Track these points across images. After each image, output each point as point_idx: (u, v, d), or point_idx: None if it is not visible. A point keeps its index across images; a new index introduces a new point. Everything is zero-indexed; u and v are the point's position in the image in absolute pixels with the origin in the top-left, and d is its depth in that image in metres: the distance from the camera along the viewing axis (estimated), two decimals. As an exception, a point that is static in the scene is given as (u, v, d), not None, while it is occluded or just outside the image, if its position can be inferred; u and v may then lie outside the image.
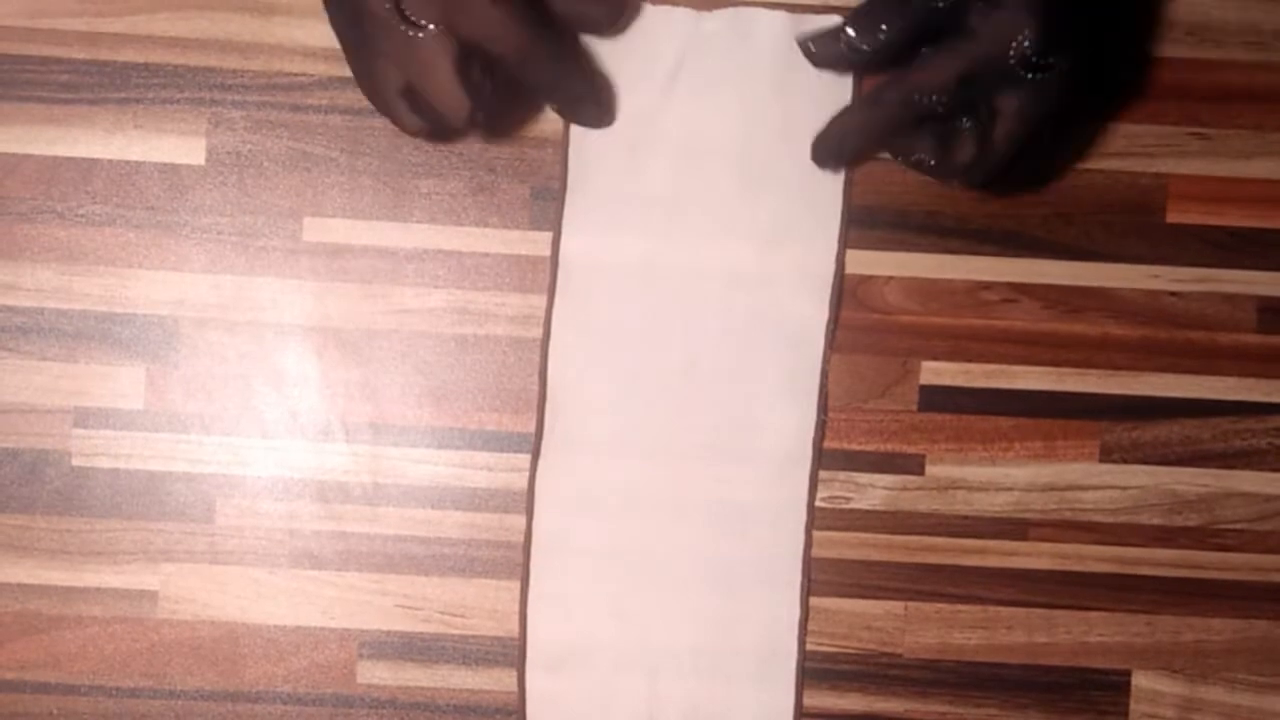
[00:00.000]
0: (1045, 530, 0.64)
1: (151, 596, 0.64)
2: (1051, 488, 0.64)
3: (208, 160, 0.64)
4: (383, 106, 0.57)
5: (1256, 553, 0.65)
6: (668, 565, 0.63)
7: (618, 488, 0.63)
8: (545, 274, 0.64)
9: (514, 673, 0.64)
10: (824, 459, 0.64)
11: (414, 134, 0.58)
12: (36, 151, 0.63)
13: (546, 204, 0.64)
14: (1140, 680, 0.65)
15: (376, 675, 0.64)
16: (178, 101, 0.63)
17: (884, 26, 0.55)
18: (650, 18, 0.62)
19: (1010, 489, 0.64)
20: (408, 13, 0.54)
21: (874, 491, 0.64)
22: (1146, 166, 0.64)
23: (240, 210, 0.63)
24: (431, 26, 0.54)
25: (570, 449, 0.63)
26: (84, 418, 0.63)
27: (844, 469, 0.64)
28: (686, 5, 0.63)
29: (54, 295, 0.63)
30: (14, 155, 0.63)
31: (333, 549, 0.64)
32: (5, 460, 0.63)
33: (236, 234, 0.64)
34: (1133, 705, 0.64)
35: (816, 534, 0.64)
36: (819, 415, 0.63)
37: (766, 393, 0.62)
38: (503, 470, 0.64)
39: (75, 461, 0.63)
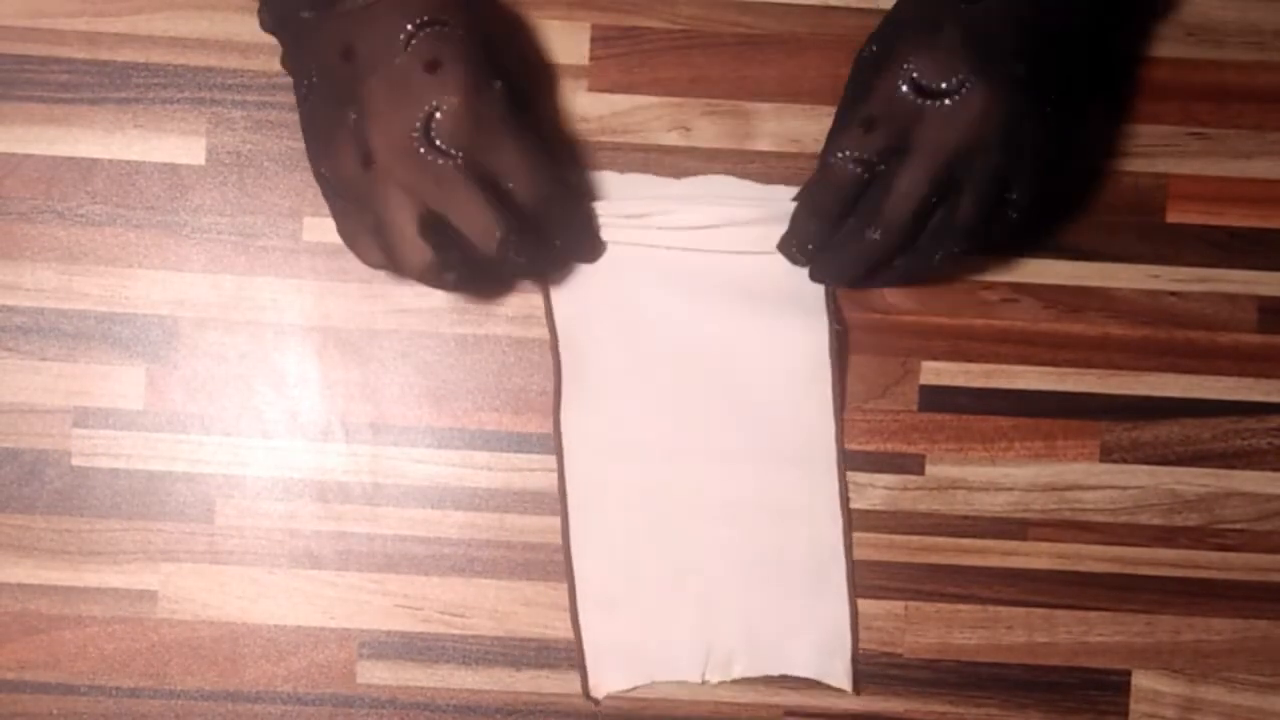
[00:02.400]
0: (1045, 530, 0.64)
1: (151, 596, 0.64)
2: (1051, 488, 0.64)
3: (208, 160, 0.64)
4: (397, 238, 0.56)
5: (1256, 553, 0.65)
6: (705, 495, 0.63)
7: (646, 430, 0.63)
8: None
9: (514, 672, 0.64)
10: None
11: (420, 274, 0.57)
12: (36, 151, 0.63)
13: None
14: (1140, 680, 0.65)
15: (376, 675, 0.64)
16: (178, 101, 0.63)
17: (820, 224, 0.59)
18: (620, 184, 0.63)
19: (1010, 489, 0.64)
20: (436, 140, 0.55)
21: (874, 491, 0.64)
22: (1146, 166, 0.64)
23: (240, 210, 0.63)
24: (459, 158, 0.55)
25: (592, 395, 0.63)
26: (84, 418, 0.63)
27: (844, 469, 0.64)
28: (654, 174, 0.64)
29: (54, 295, 0.63)
30: (14, 155, 0.63)
31: (333, 549, 0.64)
32: (5, 460, 0.63)
33: (236, 234, 0.64)
34: (1133, 705, 0.64)
35: (816, 534, 0.64)
36: (832, 326, 0.63)
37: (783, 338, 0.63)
38: (503, 470, 0.64)
39: (75, 461, 0.64)
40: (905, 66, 0.56)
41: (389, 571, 0.64)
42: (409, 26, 0.55)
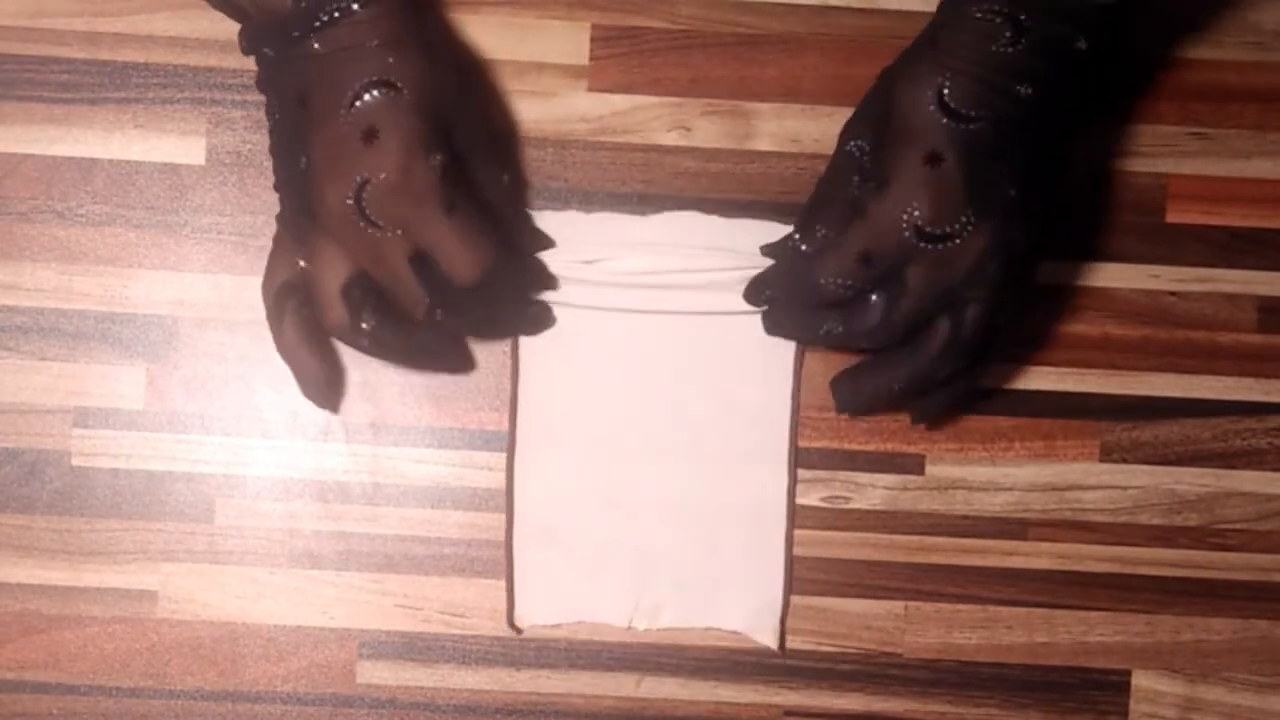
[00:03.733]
0: (1045, 530, 0.64)
1: (151, 596, 0.64)
2: (1051, 488, 0.64)
3: (208, 160, 0.64)
4: (317, 291, 0.57)
5: (1256, 553, 0.65)
6: (652, 446, 0.63)
7: (603, 395, 0.64)
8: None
9: (514, 672, 0.64)
10: (824, 459, 0.64)
11: (333, 331, 0.58)
12: (36, 151, 0.63)
13: (546, 203, 0.64)
14: (1140, 680, 0.65)
15: (376, 675, 0.64)
16: (178, 101, 0.63)
17: (820, 229, 0.57)
18: (585, 225, 0.63)
19: (1010, 489, 0.64)
20: (368, 212, 0.55)
21: (874, 491, 0.64)
22: (1146, 166, 0.64)
23: (240, 210, 0.63)
24: (390, 231, 0.55)
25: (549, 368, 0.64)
26: (84, 418, 0.63)
27: (844, 469, 0.64)
28: (619, 212, 0.63)
29: (54, 295, 0.63)
30: (14, 155, 0.63)
31: (333, 549, 0.64)
32: (5, 460, 0.63)
33: (236, 234, 0.64)
34: (1133, 705, 0.64)
35: (816, 534, 0.64)
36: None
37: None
38: (502, 470, 0.64)
39: (75, 461, 0.63)
40: (910, 211, 0.55)
41: (389, 571, 0.64)
42: (356, 85, 0.54)
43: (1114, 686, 0.64)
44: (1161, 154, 0.64)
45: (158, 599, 0.64)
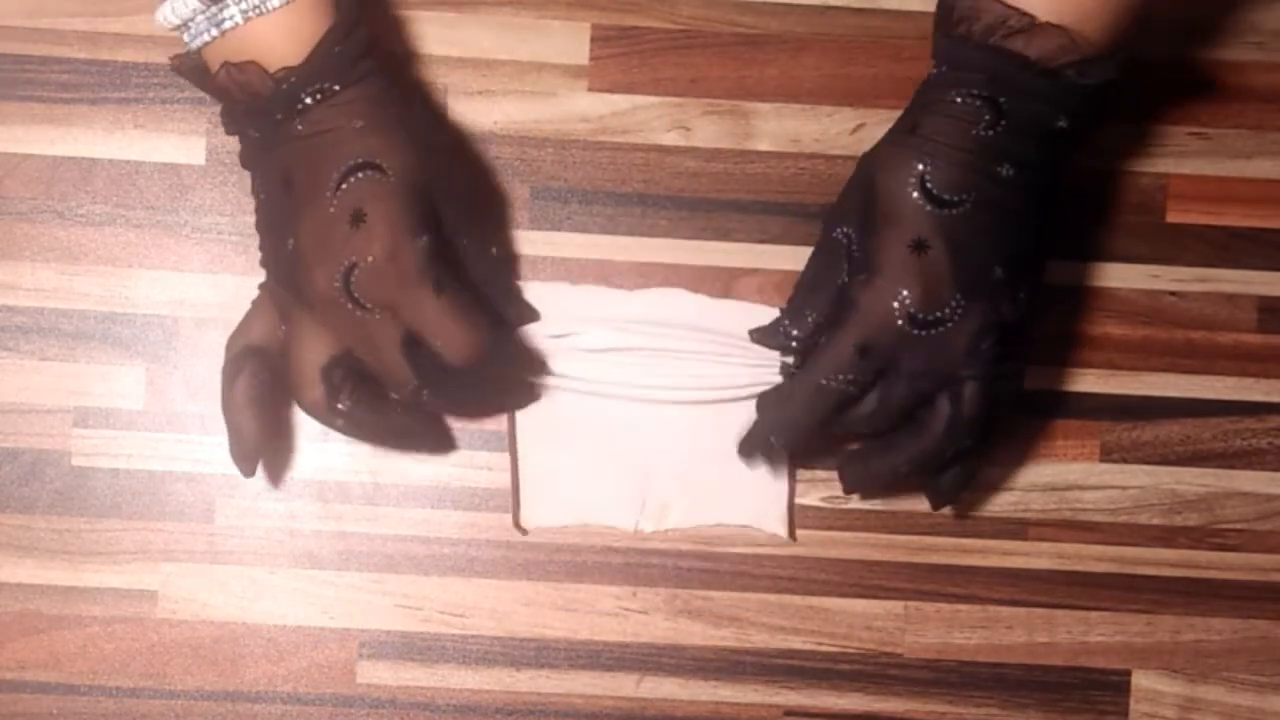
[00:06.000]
0: (1045, 530, 0.64)
1: (151, 596, 0.64)
2: (1051, 488, 0.64)
3: (208, 160, 0.64)
4: (295, 365, 0.57)
5: (1256, 553, 0.65)
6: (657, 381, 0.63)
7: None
8: (544, 273, 0.64)
9: (514, 672, 0.64)
10: (824, 459, 0.64)
11: (308, 408, 0.58)
12: (36, 151, 0.63)
13: (546, 204, 0.64)
14: (1140, 680, 0.65)
15: (376, 675, 0.64)
16: (178, 101, 0.63)
17: (809, 315, 0.58)
18: (571, 296, 0.63)
19: (1010, 489, 0.64)
20: (356, 294, 0.55)
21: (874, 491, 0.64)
22: (1146, 166, 0.64)
23: (240, 210, 0.63)
24: (378, 313, 0.55)
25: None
26: (84, 418, 0.63)
27: (844, 469, 0.64)
28: (607, 286, 0.64)
29: (54, 295, 0.63)
30: (14, 155, 0.63)
31: (333, 549, 0.64)
32: (5, 460, 0.63)
33: (236, 234, 0.64)
34: (1133, 705, 0.64)
35: (816, 534, 0.64)
36: None
37: None
38: (502, 470, 0.64)
39: (75, 461, 0.64)
40: (902, 299, 0.55)
41: (389, 571, 0.64)
42: (341, 167, 0.54)
43: (1114, 686, 0.64)
44: (1161, 154, 0.64)
45: (158, 599, 0.64)
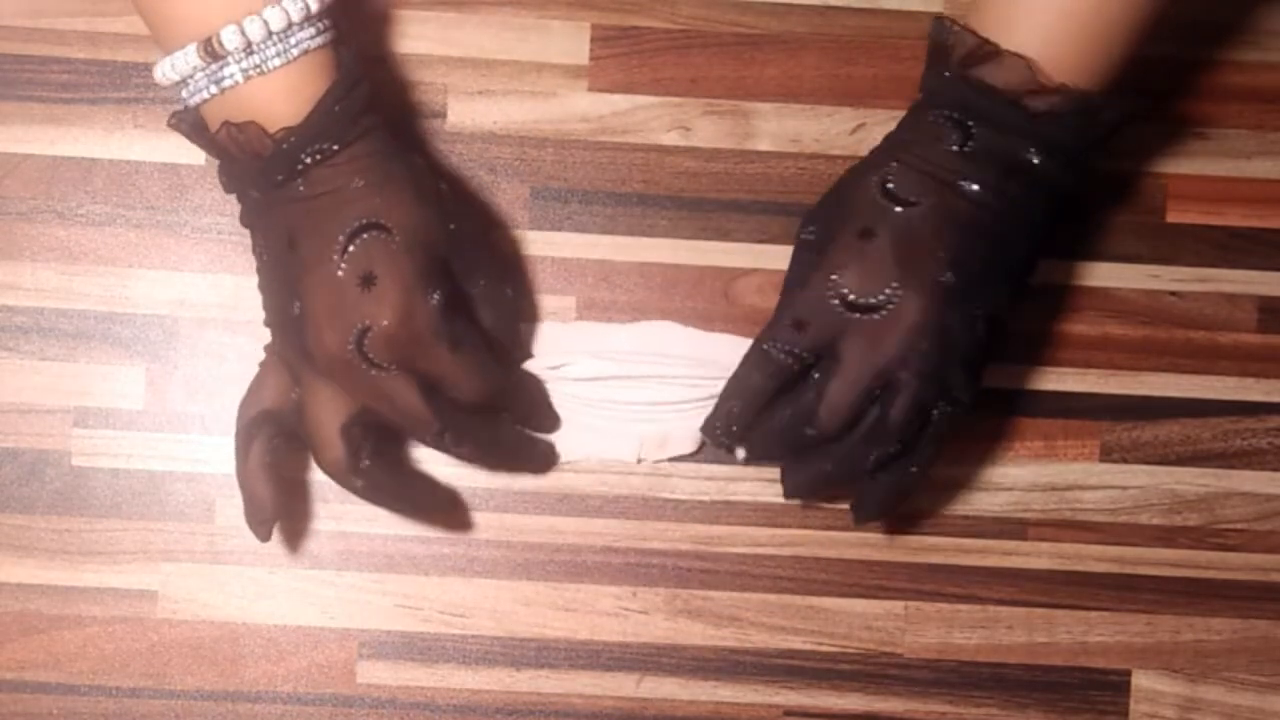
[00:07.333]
0: (1045, 530, 0.64)
1: (151, 596, 0.64)
2: (1051, 488, 0.64)
3: (208, 160, 0.64)
4: (313, 428, 0.57)
5: (1256, 553, 0.65)
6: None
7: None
8: (544, 273, 0.64)
9: (514, 672, 0.64)
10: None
11: (329, 471, 0.58)
12: (36, 151, 0.63)
13: (546, 204, 0.64)
14: (1140, 680, 0.65)
15: (376, 675, 0.64)
16: (178, 102, 0.63)
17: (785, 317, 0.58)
18: (561, 334, 0.64)
19: (1010, 489, 0.64)
20: (371, 356, 0.55)
21: (874, 491, 0.64)
22: (1146, 166, 0.64)
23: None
24: (394, 368, 0.55)
25: None
26: (84, 418, 0.63)
27: (844, 469, 0.64)
28: (595, 320, 0.64)
29: (54, 295, 0.63)
30: (14, 155, 0.63)
31: (333, 549, 0.64)
32: (5, 460, 0.63)
33: (236, 234, 0.63)
34: (1133, 705, 0.64)
35: (816, 534, 0.64)
36: None
37: None
38: (502, 470, 0.64)
39: (75, 461, 0.64)
40: (833, 279, 0.55)
41: (389, 571, 0.64)
42: (346, 229, 0.54)
43: (1114, 686, 0.64)
44: (1161, 154, 0.64)
45: (158, 599, 0.64)
